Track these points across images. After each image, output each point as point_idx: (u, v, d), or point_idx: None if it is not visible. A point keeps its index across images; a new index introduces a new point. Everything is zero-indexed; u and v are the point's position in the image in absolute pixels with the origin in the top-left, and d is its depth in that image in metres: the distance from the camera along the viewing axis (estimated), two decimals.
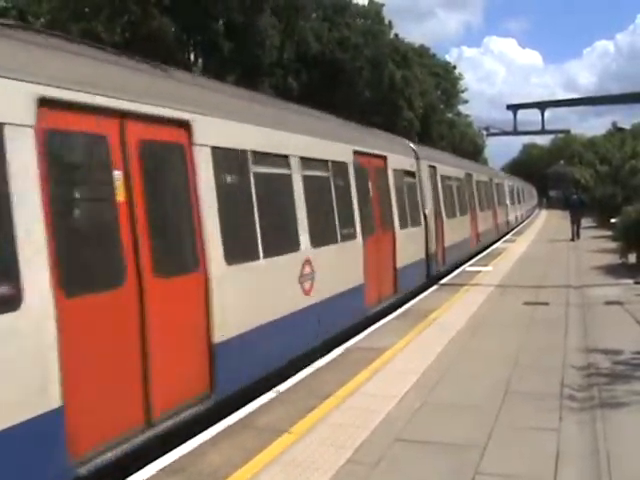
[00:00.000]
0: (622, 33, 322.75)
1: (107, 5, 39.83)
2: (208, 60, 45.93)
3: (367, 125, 20.41)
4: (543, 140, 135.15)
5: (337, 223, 13.14)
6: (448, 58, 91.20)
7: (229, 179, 9.72)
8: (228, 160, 9.52)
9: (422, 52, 77.41)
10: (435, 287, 19.95)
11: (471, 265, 25.92)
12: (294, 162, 11.45)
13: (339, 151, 13.81)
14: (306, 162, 11.89)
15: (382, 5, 62.38)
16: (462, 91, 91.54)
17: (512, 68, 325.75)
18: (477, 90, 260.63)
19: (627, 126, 51.07)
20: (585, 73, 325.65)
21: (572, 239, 35.72)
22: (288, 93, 42.13)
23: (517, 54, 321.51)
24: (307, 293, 11.46)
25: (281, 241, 10.89)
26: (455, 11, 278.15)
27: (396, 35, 64.40)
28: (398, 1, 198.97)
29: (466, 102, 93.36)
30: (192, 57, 47.47)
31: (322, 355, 11.66)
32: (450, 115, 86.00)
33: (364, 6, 61.87)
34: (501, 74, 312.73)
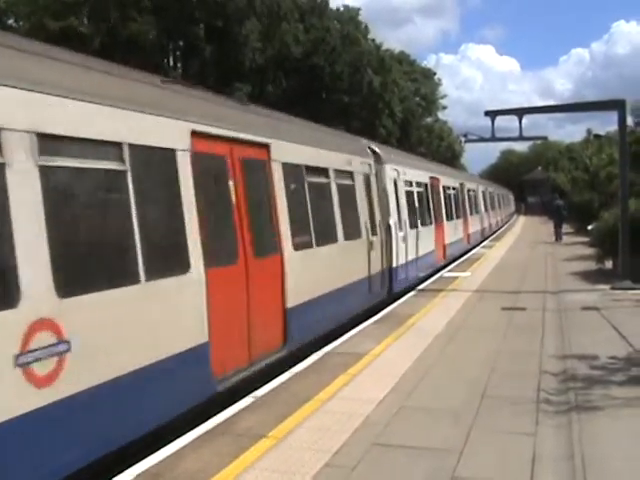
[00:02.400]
0: (597, 42, 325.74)
1: (86, 4, 39.79)
2: (187, 64, 45.87)
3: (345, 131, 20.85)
4: (521, 146, 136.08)
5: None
6: (426, 65, 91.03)
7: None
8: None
9: (402, 58, 77.70)
10: (413, 292, 20.01)
11: (449, 271, 26.03)
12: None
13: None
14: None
15: (358, 10, 62.51)
16: (442, 97, 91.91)
17: (489, 75, 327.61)
18: (455, 97, 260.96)
19: (602, 133, 51.51)
20: (561, 80, 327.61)
21: (556, 239, 39.52)
22: (265, 99, 42.07)
23: (494, 61, 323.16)
24: None
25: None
26: (432, 18, 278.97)
27: (373, 40, 64.45)
28: (375, 7, 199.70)
29: (445, 108, 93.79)
30: (171, 61, 47.43)
31: (300, 360, 11.68)
32: (429, 120, 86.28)
33: (339, 10, 61.84)
34: (479, 81, 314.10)
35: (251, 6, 44.55)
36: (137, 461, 7.25)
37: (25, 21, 42.10)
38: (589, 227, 30.28)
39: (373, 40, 64.58)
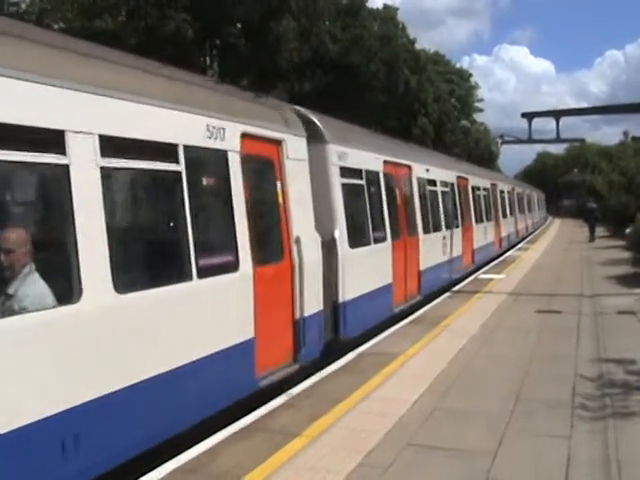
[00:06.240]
0: (631, 44, 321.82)
1: (124, 5, 40.11)
2: (224, 63, 46.03)
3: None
4: (557, 148, 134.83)
5: None
6: (461, 66, 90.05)
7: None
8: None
9: (437, 59, 77.24)
10: (447, 294, 19.96)
11: (484, 273, 25.92)
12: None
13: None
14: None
15: (396, 9, 62.26)
16: (478, 100, 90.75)
17: (523, 77, 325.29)
18: (488, 98, 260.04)
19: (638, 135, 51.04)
20: (596, 82, 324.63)
21: (590, 240, 41.51)
22: (303, 97, 42.14)
23: (528, 63, 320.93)
24: None
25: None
26: (464, 19, 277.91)
27: (410, 40, 64.11)
28: (408, 9, 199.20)
29: (481, 111, 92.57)
30: (207, 60, 47.62)
31: (335, 360, 11.71)
32: (465, 122, 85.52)
33: (378, 9, 61.67)
34: (512, 82, 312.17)
35: (285, 4, 44.62)
36: (172, 456, 7.34)
37: (64, 22, 42.53)
38: (627, 230, 29.98)
39: (408, 38, 64.27)
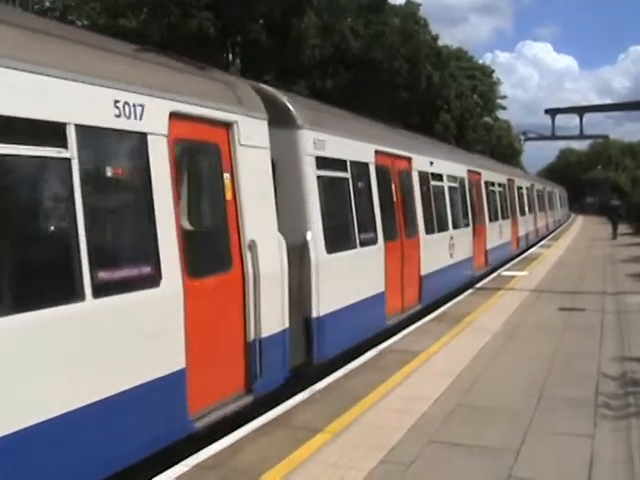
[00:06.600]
0: None
1: (145, 3, 40.35)
2: (246, 59, 46.16)
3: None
4: (580, 145, 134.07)
5: None
6: (483, 63, 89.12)
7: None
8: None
9: (460, 55, 76.92)
10: (470, 291, 19.90)
11: (506, 270, 25.81)
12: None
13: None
14: None
15: (419, 5, 62.05)
16: (501, 97, 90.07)
17: (546, 73, 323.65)
18: (511, 95, 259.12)
19: None
20: (619, 78, 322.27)
21: (613, 238, 42.02)
22: (325, 94, 42.17)
23: (551, 59, 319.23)
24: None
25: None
26: (486, 16, 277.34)
27: (432, 36, 63.87)
28: (431, 6, 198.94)
29: (504, 109, 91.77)
30: (230, 56, 47.76)
31: (356, 357, 11.71)
32: (487, 119, 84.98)
33: (400, 5, 61.60)
34: (535, 79, 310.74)
35: (307, 0, 44.67)
36: (193, 452, 7.39)
37: (87, 19, 42.80)
38: None
39: (430, 34, 64.04)
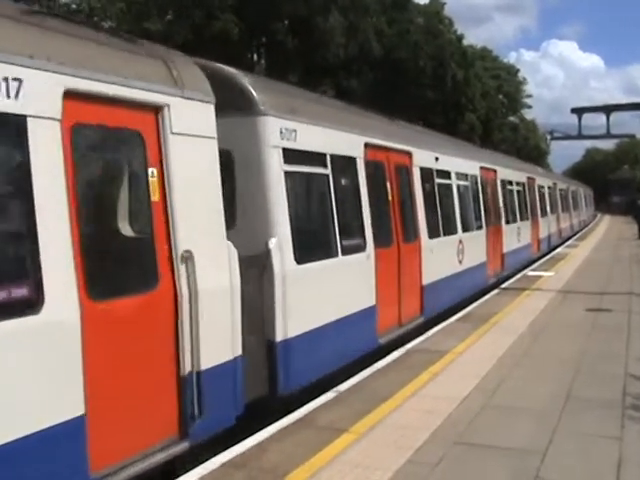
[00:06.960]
0: None
1: (171, 6, 40.56)
2: (271, 59, 46.27)
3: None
4: (606, 144, 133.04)
5: None
6: (508, 62, 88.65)
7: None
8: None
9: (484, 54, 76.60)
10: (496, 291, 19.81)
11: (533, 270, 25.67)
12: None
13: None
14: None
15: (443, 4, 61.80)
16: (527, 96, 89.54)
17: (572, 72, 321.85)
18: (536, 94, 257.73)
19: None
20: None
21: (639, 237, 42.15)
22: (350, 94, 42.15)
23: (577, 57, 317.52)
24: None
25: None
26: (511, 15, 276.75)
27: (457, 36, 63.53)
28: (455, 6, 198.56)
29: (529, 107, 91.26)
30: (255, 56, 47.90)
31: (382, 357, 11.70)
32: (512, 119, 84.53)
33: (425, 4, 61.39)
34: (560, 78, 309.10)
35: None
36: (221, 450, 7.41)
37: (111, 20, 43.06)
38: None
39: (455, 32, 63.77)
